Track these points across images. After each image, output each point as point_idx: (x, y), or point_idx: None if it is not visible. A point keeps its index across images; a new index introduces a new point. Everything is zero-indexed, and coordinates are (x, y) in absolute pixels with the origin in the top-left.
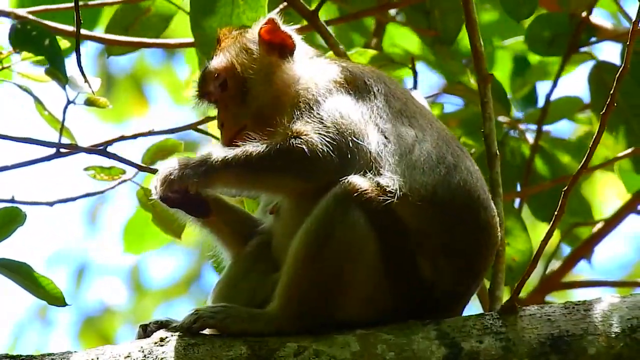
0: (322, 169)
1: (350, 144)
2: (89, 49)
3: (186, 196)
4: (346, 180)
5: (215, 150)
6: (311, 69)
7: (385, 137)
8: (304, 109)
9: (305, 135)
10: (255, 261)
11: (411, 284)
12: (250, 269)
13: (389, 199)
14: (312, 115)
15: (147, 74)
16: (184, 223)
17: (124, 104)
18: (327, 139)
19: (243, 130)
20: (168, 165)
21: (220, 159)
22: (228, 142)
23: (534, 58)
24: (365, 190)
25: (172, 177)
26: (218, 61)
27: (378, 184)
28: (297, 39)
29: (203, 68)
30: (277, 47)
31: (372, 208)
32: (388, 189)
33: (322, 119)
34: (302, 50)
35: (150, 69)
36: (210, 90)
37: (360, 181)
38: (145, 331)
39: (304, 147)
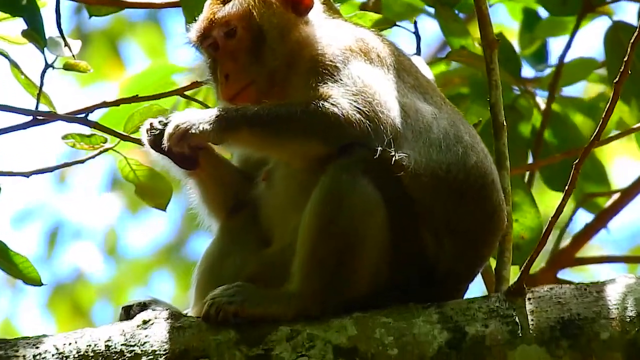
0: (350, 135)
1: (378, 113)
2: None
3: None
4: (357, 149)
5: (235, 107)
6: (327, 32)
7: (405, 112)
8: (324, 74)
9: (332, 98)
10: (241, 236)
11: (414, 259)
12: (236, 244)
13: (400, 173)
14: (335, 81)
15: (123, 33)
16: (169, 195)
17: (97, 65)
18: (356, 105)
19: (249, 86)
20: (184, 118)
21: (241, 116)
22: (230, 96)
23: (544, 12)
24: (377, 161)
25: (191, 131)
26: (231, 8)
27: (392, 157)
28: None
29: (208, 12)
30: (292, 3)
31: (382, 180)
32: (402, 164)
33: (347, 85)
34: (318, 10)
35: (127, 26)
36: (213, 35)
37: (371, 152)
38: (128, 313)
39: (335, 110)
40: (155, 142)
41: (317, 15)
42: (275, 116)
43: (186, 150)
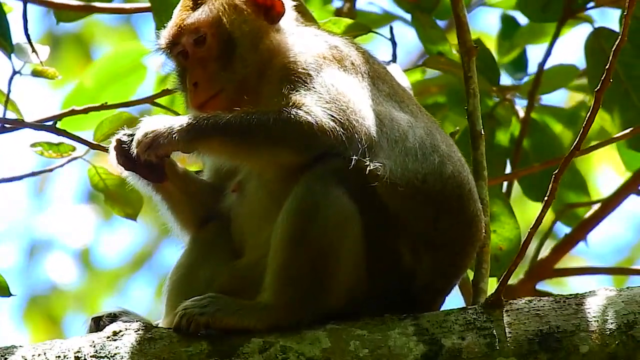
0: (324, 144)
1: (352, 121)
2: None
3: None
4: (331, 158)
5: (205, 114)
6: (299, 40)
7: (380, 120)
8: (296, 82)
9: (305, 106)
10: (213, 247)
11: (391, 271)
12: (208, 255)
13: (375, 183)
14: (308, 89)
15: (95, 36)
16: (140, 204)
17: (70, 69)
18: (329, 113)
19: (219, 94)
20: (153, 126)
21: (212, 125)
22: (199, 104)
23: (523, 18)
24: (351, 171)
25: (160, 140)
26: (200, 14)
27: (367, 167)
28: (287, 3)
29: (177, 18)
30: (264, 10)
31: (356, 189)
32: (377, 173)
33: (320, 93)
34: (290, 17)
35: (100, 29)
36: (182, 42)
37: (346, 161)
38: (98, 325)
39: (307, 118)
40: (124, 153)
41: (289, 22)
42: (247, 124)
43: (154, 158)
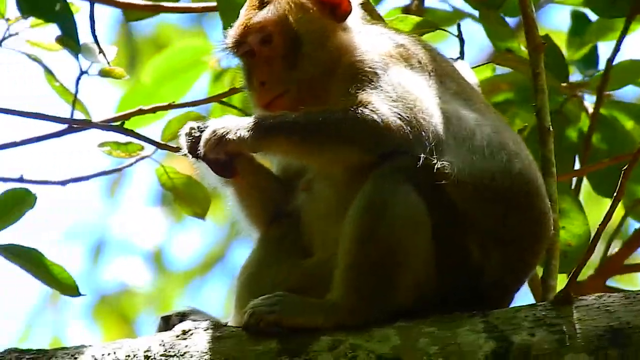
0: (391, 142)
1: (419, 119)
2: (106, 13)
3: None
4: (398, 157)
5: (271, 114)
6: (365, 38)
7: (447, 118)
8: (363, 80)
9: (372, 105)
10: (282, 245)
11: (459, 269)
12: (276, 254)
13: (443, 181)
14: (375, 87)
15: (172, 38)
16: (208, 203)
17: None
18: (396, 111)
19: (285, 94)
20: (221, 124)
21: (279, 124)
22: (265, 104)
23: (594, 15)
24: (419, 169)
25: (227, 137)
26: (266, 13)
27: (434, 165)
28: (354, 1)
29: (244, 17)
30: (330, 8)
31: (424, 187)
32: (445, 171)
33: (387, 91)
34: (356, 15)
35: (176, 32)
36: (248, 42)
37: (413, 159)
38: (168, 323)
39: (374, 116)
40: (193, 147)
41: (355, 21)
42: (314, 123)
43: (222, 157)
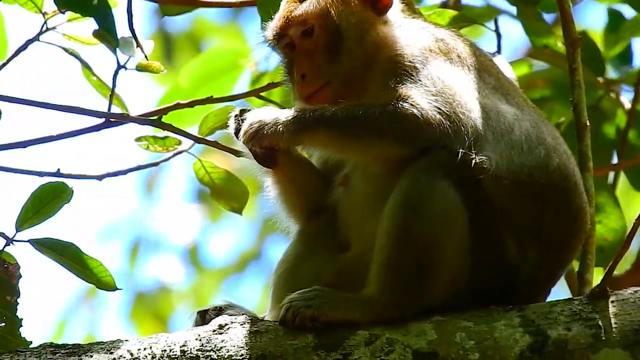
0: (430, 136)
1: (459, 114)
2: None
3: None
4: (436, 151)
5: (310, 107)
6: (405, 32)
7: (486, 113)
8: (403, 74)
9: (411, 99)
10: (319, 240)
11: (496, 265)
12: (314, 249)
13: (480, 176)
14: (415, 81)
15: (208, 34)
16: (246, 198)
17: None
18: (435, 105)
19: (326, 86)
20: (259, 117)
21: (318, 117)
22: (306, 96)
23: (629, 12)
24: (457, 163)
25: (263, 131)
26: (308, 6)
27: (473, 160)
28: None
29: (285, 10)
30: (371, 2)
31: (462, 182)
32: (483, 166)
33: (426, 86)
34: (396, 9)
35: (212, 27)
36: (289, 34)
37: (451, 154)
38: (204, 318)
39: (414, 111)
40: (238, 132)
41: (395, 14)
42: (353, 117)
43: (258, 150)
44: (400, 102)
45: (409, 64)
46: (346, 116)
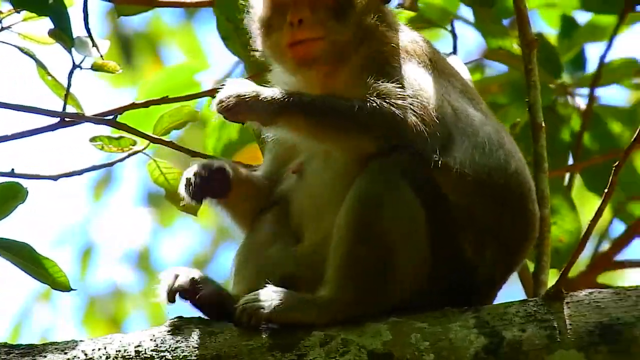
0: (405, 137)
1: (433, 118)
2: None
3: (211, 175)
4: (399, 150)
5: (291, 90)
6: (390, 30)
7: (457, 116)
8: (383, 71)
9: (390, 99)
10: (273, 231)
11: (456, 264)
12: (269, 241)
13: (443, 177)
14: (393, 80)
15: (163, 35)
16: None
17: (137, 66)
18: (412, 107)
19: (320, 40)
20: (237, 89)
21: (297, 101)
22: (295, 41)
23: (582, 18)
24: (419, 163)
25: (241, 106)
26: None
27: (438, 161)
28: None
29: None
30: None
31: (423, 183)
32: (447, 167)
33: (404, 87)
34: (389, 6)
35: (167, 29)
36: None
37: (414, 153)
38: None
39: (392, 110)
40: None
41: (388, 10)
42: (332, 108)
43: (231, 120)
44: (380, 100)
45: (390, 61)
46: (325, 105)
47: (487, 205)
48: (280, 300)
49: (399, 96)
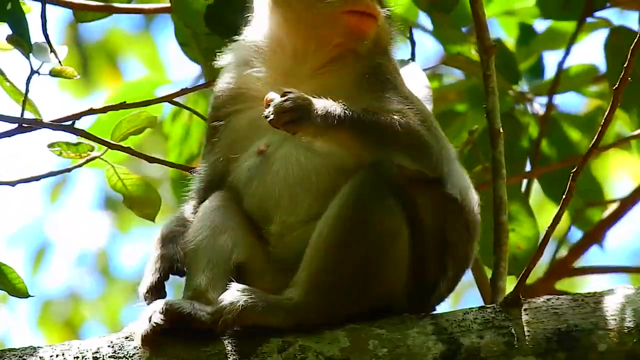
0: (426, 162)
1: (440, 138)
2: (57, 14)
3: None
4: (385, 164)
5: (339, 104)
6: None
7: (444, 140)
8: (384, 83)
9: (409, 118)
10: (230, 212)
11: (420, 283)
12: (227, 222)
13: (428, 196)
14: (400, 98)
15: (121, 44)
16: (158, 205)
17: (95, 76)
18: (428, 133)
19: (373, 19)
20: (293, 99)
21: (349, 117)
22: (354, 8)
23: (540, 26)
24: (406, 180)
25: (300, 113)
26: None
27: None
28: None
29: None
30: None
31: (407, 198)
32: (438, 186)
33: (413, 109)
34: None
35: (125, 37)
36: None
37: (397, 169)
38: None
39: (421, 131)
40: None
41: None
42: (374, 123)
43: (290, 132)
44: (408, 120)
45: (396, 80)
46: (371, 123)
47: (458, 225)
48: (246, 301)
49: (416, 118)
